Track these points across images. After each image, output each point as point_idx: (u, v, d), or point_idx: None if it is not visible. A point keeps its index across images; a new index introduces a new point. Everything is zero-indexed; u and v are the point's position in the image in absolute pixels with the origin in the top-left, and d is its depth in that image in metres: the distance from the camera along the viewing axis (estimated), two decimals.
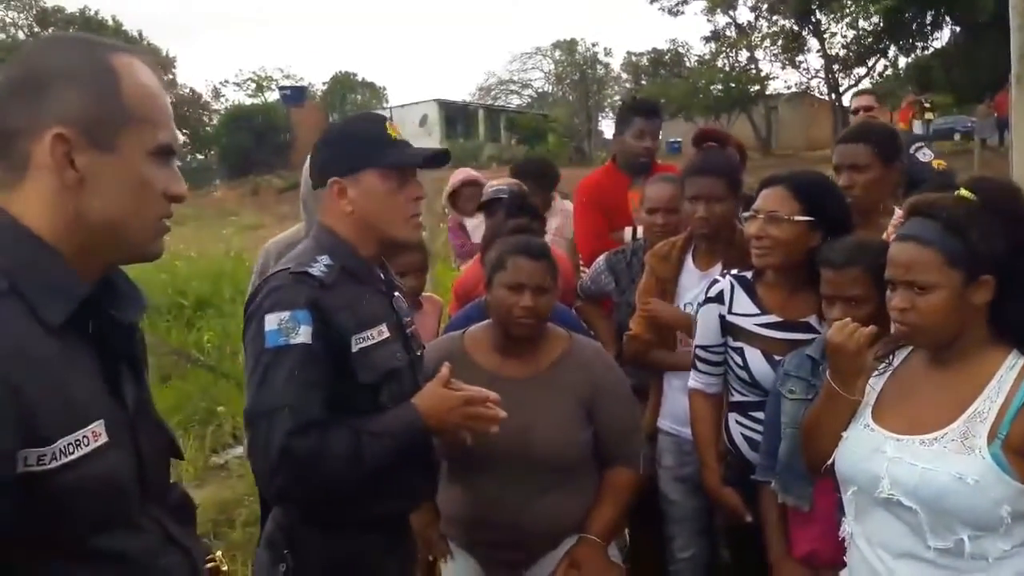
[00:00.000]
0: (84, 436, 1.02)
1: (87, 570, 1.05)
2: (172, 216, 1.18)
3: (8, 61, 1.16)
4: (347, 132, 1.89)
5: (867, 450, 1.67)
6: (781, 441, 2.11)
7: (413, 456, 1.83)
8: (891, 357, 1.77)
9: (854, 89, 30.06)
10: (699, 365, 2.49)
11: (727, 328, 2.39)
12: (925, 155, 4.01)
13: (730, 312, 2.38)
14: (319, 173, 1.86)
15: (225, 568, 1.45)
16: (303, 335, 1.65)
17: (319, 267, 1.73)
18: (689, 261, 2.79)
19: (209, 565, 1.38)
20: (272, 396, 1.64)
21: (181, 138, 1.22)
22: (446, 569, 2.41)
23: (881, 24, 25.19)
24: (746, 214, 2.36)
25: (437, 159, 1.90)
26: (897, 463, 1.60)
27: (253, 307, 1.72)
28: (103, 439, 1.05)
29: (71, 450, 1.00)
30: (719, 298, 2.41)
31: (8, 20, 33.43)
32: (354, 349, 1.73)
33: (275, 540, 1.79)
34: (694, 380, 2.52)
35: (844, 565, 1.81)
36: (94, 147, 1.07)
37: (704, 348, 2.47)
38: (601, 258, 3.16)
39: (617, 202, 3.62)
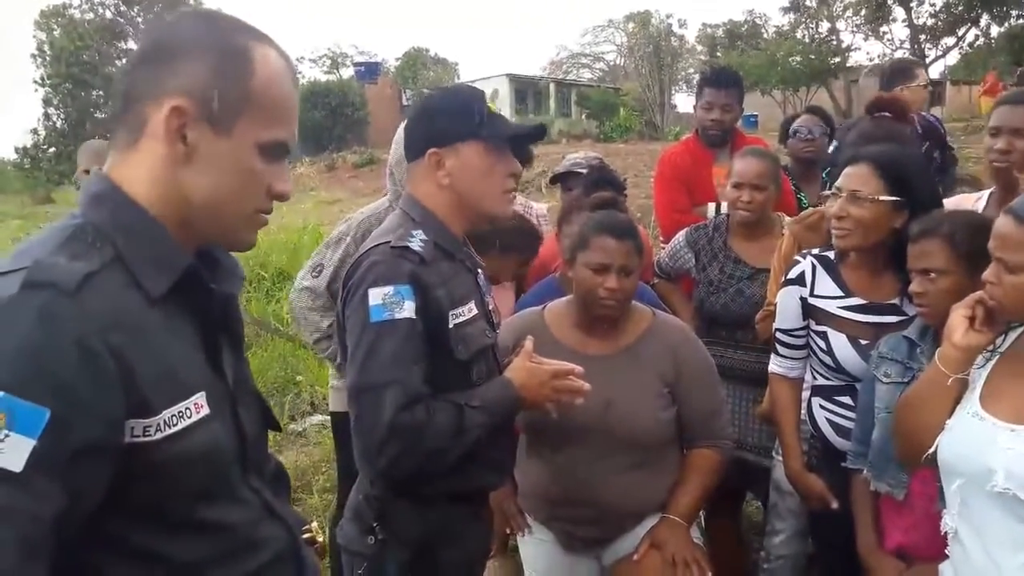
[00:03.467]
0: (187, 408, 1.03)
1: (191, 540, 1.07)
2: (270, 212, 1.17)
3: (144, 30, 1.17)
4: (447, 102, 1.84)
5: (977, 440, 1.56)
6: (875, 426, 2.03)
7: (502, 430, 1.85)
8: (999, 341, 1.66)
9: (942, 60, 28.84)
10: (780, 349, 2.42)
11: (809, 311, 2.31)
12: None
13: (812, 295, 2.30)
14: (416, 143, 1.83)
15: (321, 539, 1.46)
16: (407, 310, 1.65)
17: (417, 242, 1.73)
18: None
19: (306, 536, 1.40)
20: (379, 371, 1.64)
21: None
22: (523, 543, 2.43)
23: None
24: (827, 192, 2.27)
25: (536, 135, 1.90)
26: (1012, 454, 1.49)
27: (354, 281, 1.72)
28: (205, 411, 1.06)
29: (175, 421, 1.01)
30: (800, 280, 2.32)
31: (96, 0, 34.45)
32: (450, 325, 1.73)
33: (363, 512, 1.81)
34: (774, 364, 2.45)
35: (941, 558, 1.72)
36: (210, 126, 1.06)
37: (785, 332, 2.39)
38: (681, 234, 3.09)
39: (699, 176, 3.54)
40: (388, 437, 1.62)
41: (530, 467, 2.29)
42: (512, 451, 2.02)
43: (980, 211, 2.42)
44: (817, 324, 2.30)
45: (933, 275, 1.90)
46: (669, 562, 2.13)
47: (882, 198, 2.11)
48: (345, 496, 1.99)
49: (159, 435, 0.99)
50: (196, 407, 1.05)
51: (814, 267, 2.32)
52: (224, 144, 1.08)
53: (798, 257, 2.41)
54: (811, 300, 2.30)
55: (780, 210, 3.34)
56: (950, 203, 2.54)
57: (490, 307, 1.94)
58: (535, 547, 2.37)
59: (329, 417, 3.80)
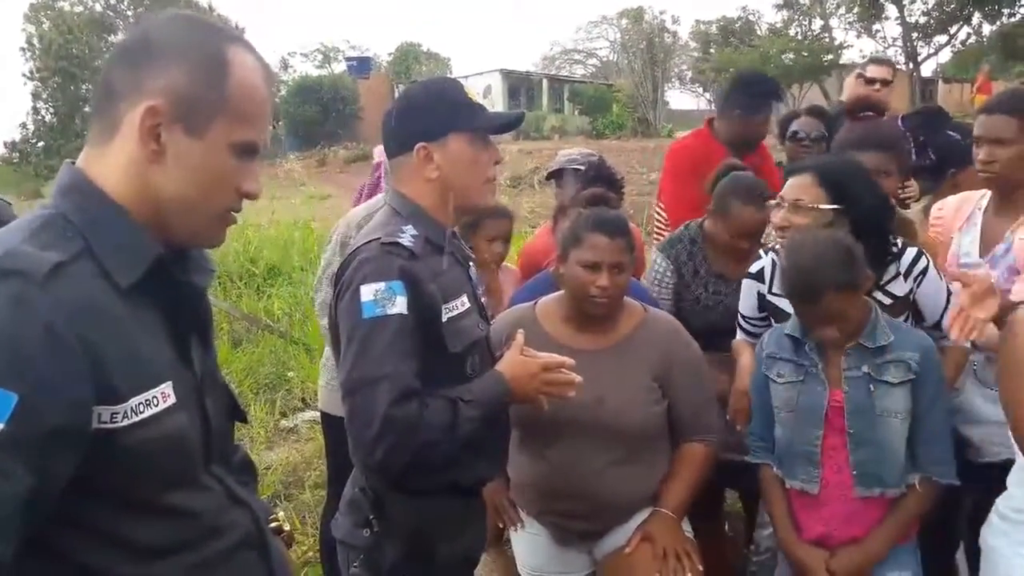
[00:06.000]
0: (154, 396, 1.06)
1: (156, 525, 1.09)
2: (240, 211, 1.19)
3: (128, 29, 1.20)
4: (430, 96, 1.85)
5: None
6: (775, 426, 2.11)
7: (497, 421, 1.86)
8: None
9: (934, 58, 28.99)
10: (740, 331, 2.50)
11: (767, 308, 2.36)
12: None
13: (770, 292, 2.34)
14: (402, 139, 1.83)
15: (287, 527, 1.49)
16: (399, 305, 1.66)
17: (407, 237, 1.73)
18: None
19: (272, 524, 1.42)
20: (372, 366, 1.65)
21: None
22: (515, 537, 2.44)
23: None
24: (772, 202, 2.29)
25: (517, 122, 1.92)
26: None
27: (346, 278, 1.73)
28: (171, 400, 1.08)
29: (142, 409, 1.03)
30: (759, 276, 2.38)
31: None
32: (444, 319, 1.74)
33: (359, 504, 1.81)
34: (739, 334, 2.53)
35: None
36: (183, 128, 1.09)
37: (744, 318, 2.48)
38: (656, 256, 2.97)
39: (713, 170, 3.51)
40: (382, 432, 1.63)
41: (522, 461, 2.29)
42: (507, 442, 2.03)
43: (982, 210, 2.47)
44: (776, 321, 2.34)
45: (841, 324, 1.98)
46: (660, 555, 2.14)
47: (822, 207, 2.14)
48: (337, 497, 1.99)
49: (126, 422, 1.02)
50: (163, 396, 1.07)
51: (774, 265, 2.34)
52: (197, 146, 1.10)
53: (761, 252, 2.44)
54: (769, 297, 2.35)
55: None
56: (955, 199, 2.58)
57: (482, 299, 1.95)
58: (527, 541, 2.38)
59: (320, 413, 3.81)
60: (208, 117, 1.10)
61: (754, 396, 2.20)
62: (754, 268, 2.40)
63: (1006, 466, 2.21)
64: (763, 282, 2.36)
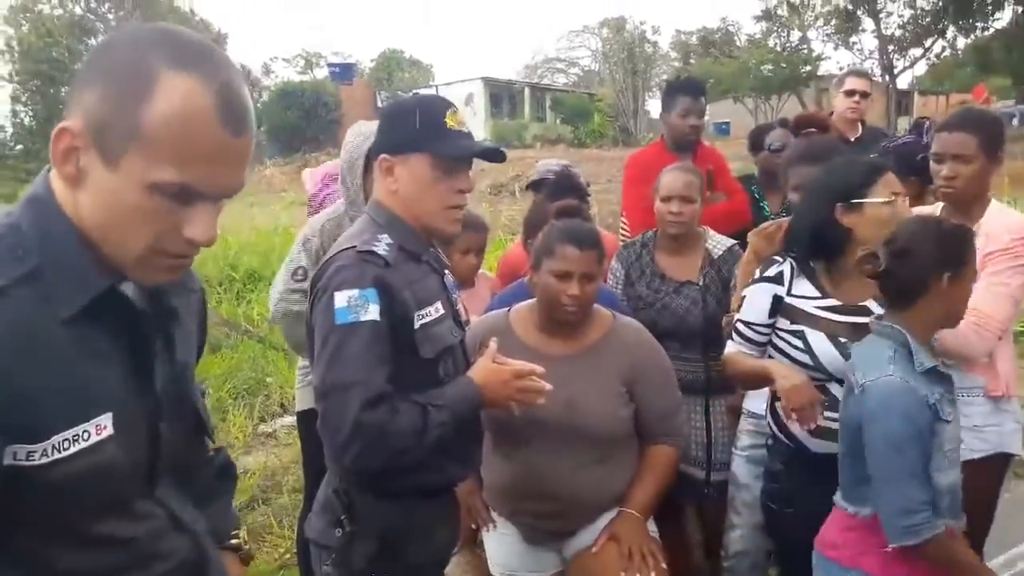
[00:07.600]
0: (85, 431, 1.00)
1: (86, 554, 1.06)
2: (189, 256, 1.08)
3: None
4: (407, 112, 1.88)
5: None
6: (939, 473, 1.90)
7: (467, 427, 1.91)
8: None
9: (910, 71, 29.43)
10: (737, 338, 2.40)
11: (783, 310, 2.32)
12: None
13: (789, 294, 2.31)
14: (378, 145, 1.90)
15: (246, 547, 1.49)
16: (372, 312, 1.71)
17: (382, 246, 1.79)
18: None
19: (233, 542, 1.44)
20: (344, 371, 1.69)
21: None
22: (488, 537, 2.49)
23: (940, 3, 24.52)
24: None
25: (488, 155, 1.93)
26: None
27: (321, 285, 1.78)
28: (107, 432, 1.02)
29: (67, 445, 0.98)
30: (778, 279, 2.33)
31: None
32: (416, 326, 1.79)
33: (331, 505, 1.86)
34: (731, 347, 2.44)
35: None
36: (98, 152, 0.99)
37: (748, 324, 2.38)
38: (614, 261, 3.09)
39: None
40: (353, 435, 1.68)
41: (494, 463, 2.35)
42: (479, 445, 2.08)
43: None
44: (793, 324, 2.29)
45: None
46: (626, 555, 2.20)
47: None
48: (312, 492, 2.04)
49: (44, 460, 0.97)
50: (97, 429, 1.01)
51: (793, 269, 2.33)
52: (111, 176, 0.99)
53: (777, 258, 2.44)
54: (788, 300, 2.31)
55: (741, 220, 3.45)
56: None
57: (457, 306, 2.00)
58: (499, 540, 2.44)
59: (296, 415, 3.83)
60: (119, 146, 0.98)
61: (917, 457, 1.87)
62: (771, 271, 2.35)
63: None
64: (782, 284, 2.32)
